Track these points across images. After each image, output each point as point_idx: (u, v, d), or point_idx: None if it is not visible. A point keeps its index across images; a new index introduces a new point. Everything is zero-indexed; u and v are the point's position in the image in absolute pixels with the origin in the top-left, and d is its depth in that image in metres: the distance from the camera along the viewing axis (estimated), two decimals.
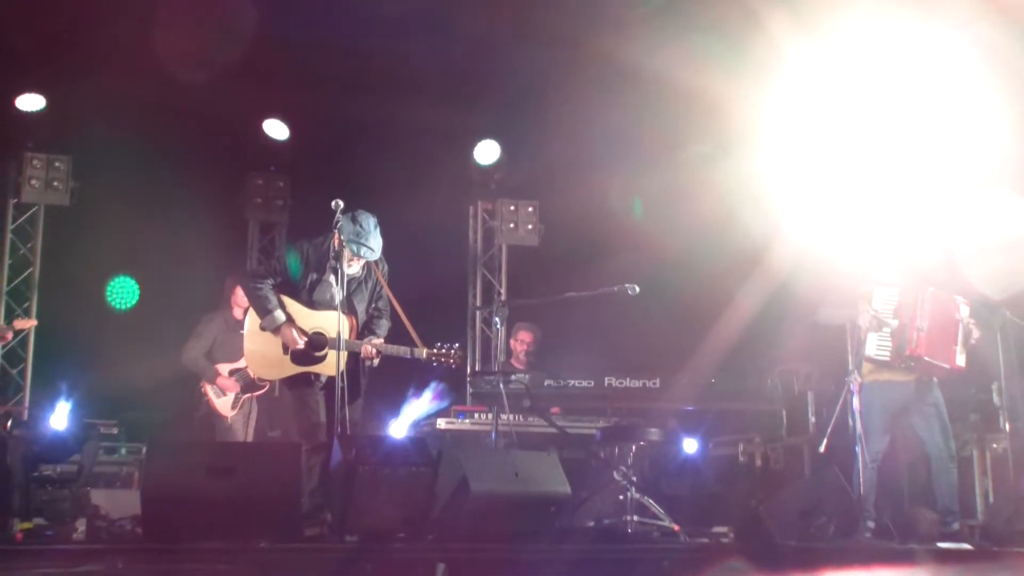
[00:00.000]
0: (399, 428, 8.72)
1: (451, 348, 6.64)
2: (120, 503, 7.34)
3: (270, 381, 8.19)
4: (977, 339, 7.29)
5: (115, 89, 8.89)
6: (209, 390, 8.42)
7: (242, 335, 6.90)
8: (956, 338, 7.20)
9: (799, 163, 8.68)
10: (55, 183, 10.01)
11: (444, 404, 8.80)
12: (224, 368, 8.42)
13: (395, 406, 8.83)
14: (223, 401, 8.43)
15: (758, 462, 9.00)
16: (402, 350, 6.63)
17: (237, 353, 7.90)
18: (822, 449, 7.16)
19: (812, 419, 8.80)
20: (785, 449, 8.89)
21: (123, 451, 8.78)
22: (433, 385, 8.75)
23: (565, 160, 10.09)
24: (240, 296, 8.12)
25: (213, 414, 8.41)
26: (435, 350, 6.63)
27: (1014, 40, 7.50)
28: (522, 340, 9.22)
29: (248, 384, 8.38)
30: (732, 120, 8.74)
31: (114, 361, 9.04)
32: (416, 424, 8.70)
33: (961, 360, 7.22)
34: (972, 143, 7.92)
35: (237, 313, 8.35)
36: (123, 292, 10.32)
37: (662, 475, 8.43)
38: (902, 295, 7.28)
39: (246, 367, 7.88)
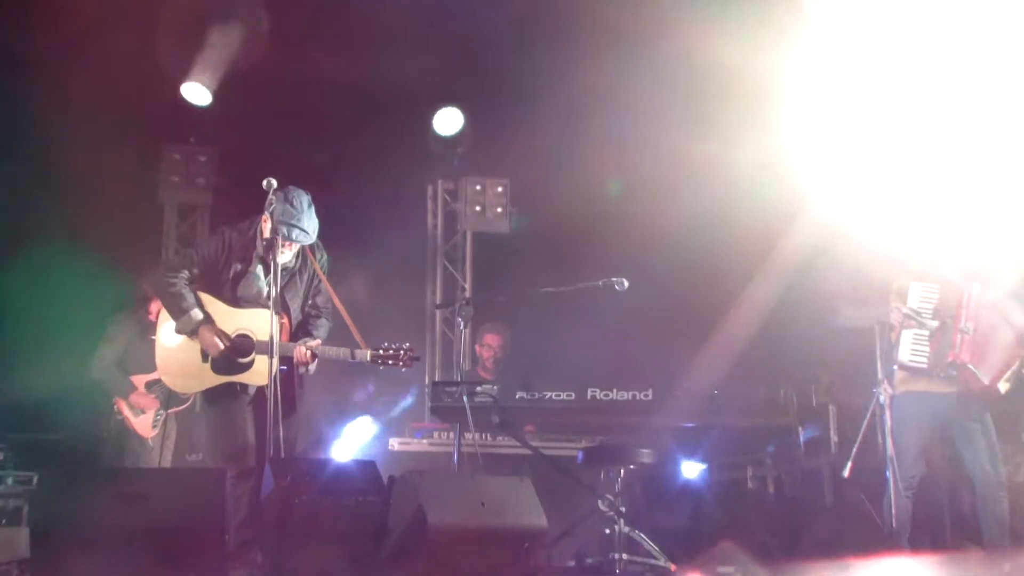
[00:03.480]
0: (344, 449, 8.74)
1: (399, 348, 6.65)
2: (6, 544, 7.12)
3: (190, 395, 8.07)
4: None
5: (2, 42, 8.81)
6: (125, 407, 8.45)
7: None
8: (1008, 362, 7.15)
9: (820, 140, 8.67)
10: None
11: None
12: (140, 381, 8.45)
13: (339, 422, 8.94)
14: (142, 420, 8.48)
15: (770, 488, 8.99)
16: (342, 352, 6.63)
17: (153, 361, 7.76)
18: (846, 473, 7.12)
19: (834, 438, 8.76)
20: (802, 473, 8.88)
21: (10, 480, 8.66)
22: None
23: (541, 132, 9.95)
24: None
25: (127, 435, 8.46)
26: (381, 351, 6.63)
27: None
28: (489, 344, 9.29)
29: (169, 399, 8.40)
30: (742, 89, 8.72)
31: (1, 373, 8.96)
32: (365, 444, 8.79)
33: (1003, 387, 7.18)
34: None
35: (152, 315, 8.32)
36: None
37: (656, 504, 8.39)
38: (943, 292, 7.28)
39: None
